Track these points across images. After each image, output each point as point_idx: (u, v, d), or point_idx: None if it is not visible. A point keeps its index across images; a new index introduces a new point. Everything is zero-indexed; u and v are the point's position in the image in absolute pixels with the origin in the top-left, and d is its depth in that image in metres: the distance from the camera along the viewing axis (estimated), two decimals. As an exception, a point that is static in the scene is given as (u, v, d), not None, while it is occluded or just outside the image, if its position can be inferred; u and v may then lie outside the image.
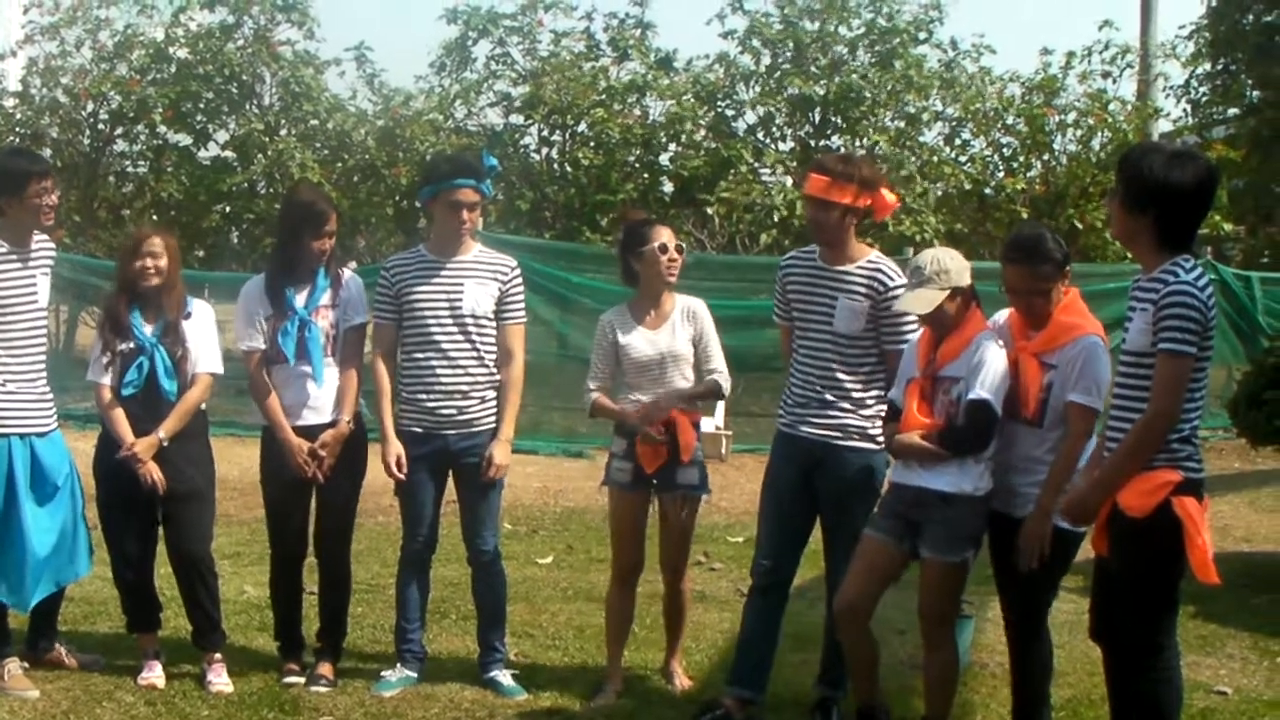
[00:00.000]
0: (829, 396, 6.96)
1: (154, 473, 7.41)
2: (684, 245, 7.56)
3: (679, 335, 7.43)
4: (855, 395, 6.92)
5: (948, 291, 6.35)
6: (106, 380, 7.47)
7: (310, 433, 7.54)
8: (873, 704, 6.81)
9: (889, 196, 7.02)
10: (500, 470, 7.53)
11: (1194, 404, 5.55)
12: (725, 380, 7.49)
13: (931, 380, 6.43)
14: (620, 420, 7.45)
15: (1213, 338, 5.57)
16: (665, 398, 7.35)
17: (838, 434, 6.90)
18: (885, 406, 6.77)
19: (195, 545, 7.58)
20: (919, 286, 6.41)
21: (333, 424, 7.54)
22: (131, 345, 7.45)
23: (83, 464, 7.78)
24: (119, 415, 7.45)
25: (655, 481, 7.43)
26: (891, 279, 6.86)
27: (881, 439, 6.77)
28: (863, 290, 6.91)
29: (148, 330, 7.46)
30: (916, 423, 6.40)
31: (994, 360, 6.30)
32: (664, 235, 7.44)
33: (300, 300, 7.54)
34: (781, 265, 7.31)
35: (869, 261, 6.97)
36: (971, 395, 6.29)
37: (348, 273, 7.79)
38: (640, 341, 7.40)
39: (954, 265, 6.41)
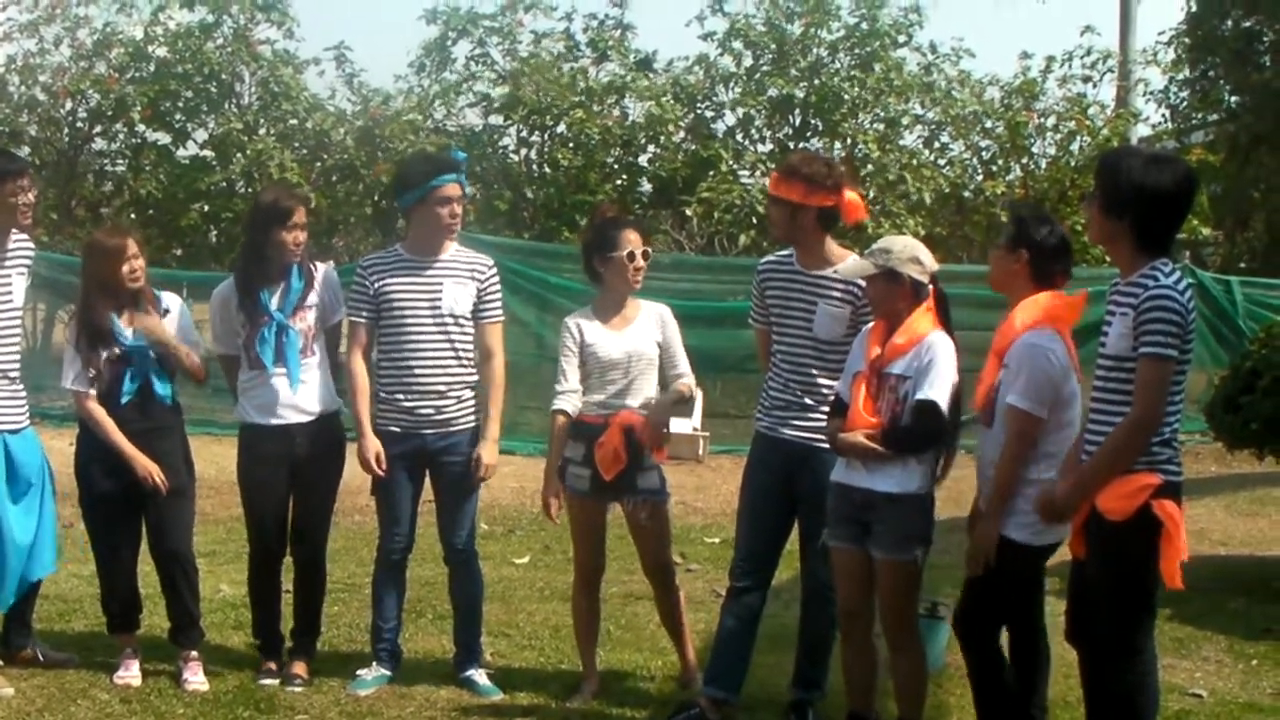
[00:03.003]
0: (809, 401, 6.95)
1: (155, 474, 7.38)
2: (650, 251, 7.51)
3: (646, 337, 7.39)
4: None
5: (880, 270, 6.39)
6: (92, 390, 7.41)
7: (289, 432, 7.53)
8: (866, 714, 6.79)
9: (852, 197, 6.99)
10: (489, 470, 7.52)
11: (1174, 407, 5.56)
12: (693, 384, 7.49)
13: (878, 375, 6.42)
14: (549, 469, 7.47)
15: (1192, 340, 5.60)
16: (657, 412, 7.30)
17: (820, 436, 6.84)
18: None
19: (178, 542, 7.57)
20: (862, 258, 6.55)
21: (318, 419, 7.56)
22: (117, 352, 7.41)
23: (58, 461, 7.77)
24: (109, 422, 7.38)
25: (613, 488, 7.39)
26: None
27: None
28: (840, 295, 6.91)
29: (129, 334, 7.42)
30: (862, 421, 6.37)
31: (944, 361, 6.29)
32: (632, 241, 7.37)
33: (275, 303, 7.52)
34: (759, 269, 7.29)
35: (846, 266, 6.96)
36: (919, 395, 6.27)
37: (322, 268, 7.77)
38: (607, 341, 7.34)
39: (897, 249, 6.44)
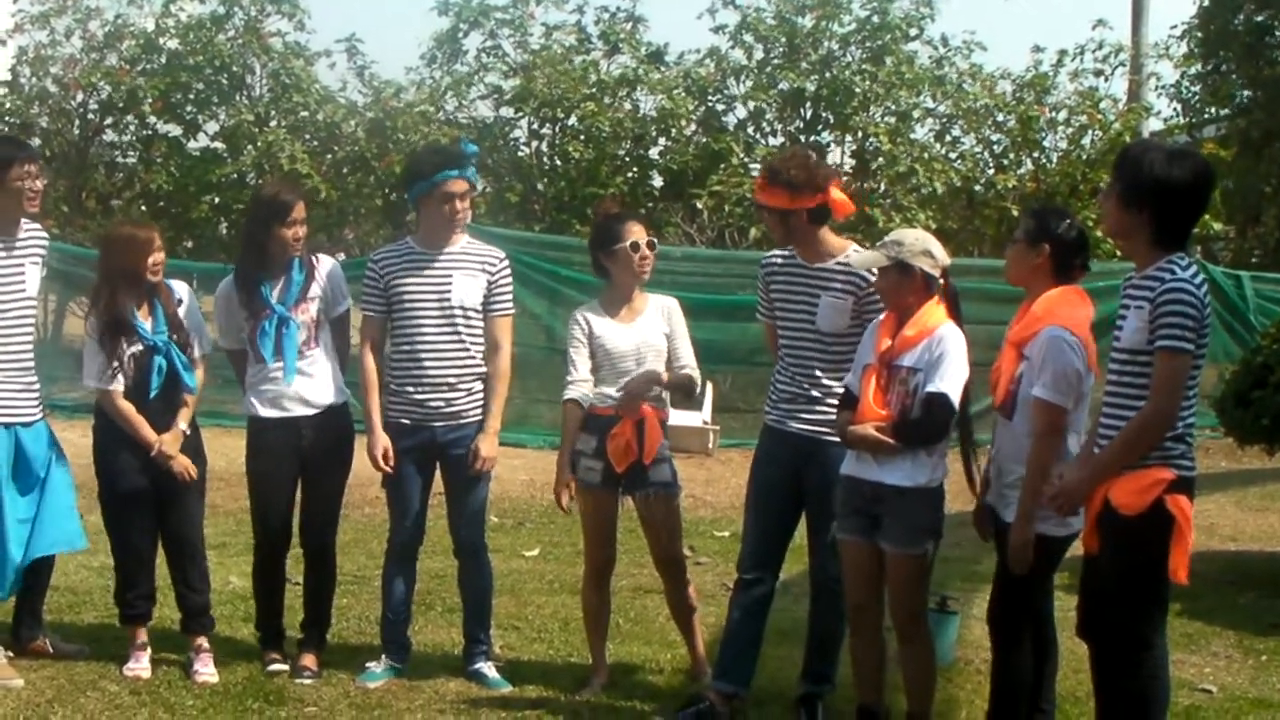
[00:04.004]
0: (815, 394, 6.94)
1: (189, 468, 7.44)
2: (655, 242, 7.51)
3: (654, 329, 7.38)
4: (840, 392, 6.87)
5: (891, 262, 6.38)
6: (118, 386, 7.41)
7: (296, 424, 7.53)
8: (874, 707, 6.77)
9: (838, 195, 6.95)
10: (487, 463, 7.51)
11: (1188, 402, 5.55)
12: (697, 376, 7.47)
13: (888, 368, 6.41)
14: (562, 454, 7.45)
15: (1208, 335, 5.58)
16: (638, 380, 7.30)
17: (827, 429, 6.84)
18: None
19: (189, 531, 7.61)
20: (874, 250, 6.56)
21: (325, 411, 7.56)
22: (141, 347, 7.41)
23: (71, 452, 7.77)
24: (139, 419, 7.40)
25: (625, 480, 7.38)
26: (872, 273, 6.78)
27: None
28: (842, 286, 6.89)
29: (149, 326, 7.42)
30: (872, 414, 6.36)
31: (955, 354, 6.28)
32: (636, 233, 7.37)
33: (275, 295, 7.52)
34: (763, 264, 7.29)
35: (847, 257, 6.95)
36: (930, 388, 6.26)
37: (325, 261, 7.78)
38: (615, 334, 7.34)
39: (909, 241, 6.43)
